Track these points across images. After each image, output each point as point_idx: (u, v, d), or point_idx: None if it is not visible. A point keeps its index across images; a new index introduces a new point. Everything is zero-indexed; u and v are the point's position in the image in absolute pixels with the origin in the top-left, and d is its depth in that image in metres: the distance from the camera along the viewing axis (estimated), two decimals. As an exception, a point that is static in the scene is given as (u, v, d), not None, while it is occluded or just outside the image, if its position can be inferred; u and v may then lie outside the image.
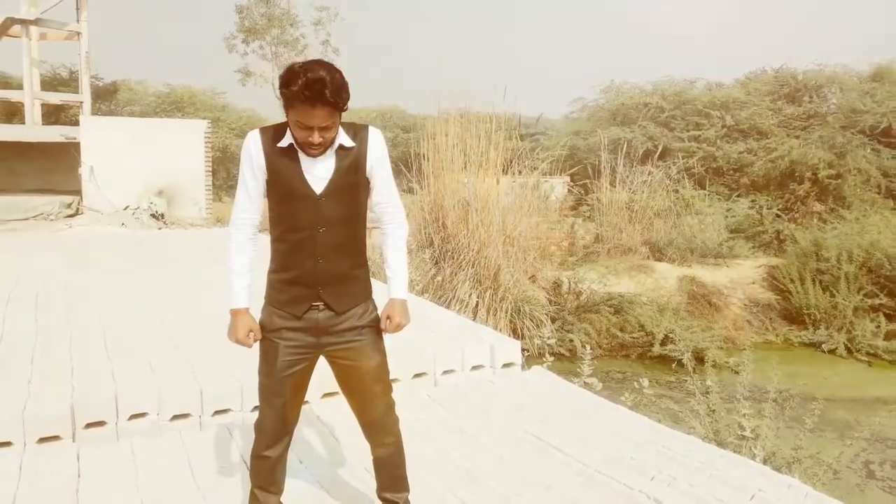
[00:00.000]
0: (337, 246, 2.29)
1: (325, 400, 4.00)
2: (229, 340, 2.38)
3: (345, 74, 2.15)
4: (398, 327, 2.41)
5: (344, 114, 2.18)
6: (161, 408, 3.70)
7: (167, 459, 3.32)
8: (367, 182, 2.35)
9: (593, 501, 2.87)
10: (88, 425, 3.55)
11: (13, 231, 13.04)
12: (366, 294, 2.41)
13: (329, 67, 2.10)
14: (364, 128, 2.33)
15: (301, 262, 2.27)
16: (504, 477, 3.10)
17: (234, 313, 2.36)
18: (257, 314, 2.40)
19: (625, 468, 3.16)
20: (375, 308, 2.44)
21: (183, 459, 3.32)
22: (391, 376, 4.25)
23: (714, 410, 5.61)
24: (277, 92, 2.27)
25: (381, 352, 2.45)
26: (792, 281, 12.11)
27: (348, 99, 2.15)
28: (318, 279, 2.28)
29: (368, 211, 2.41)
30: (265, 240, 2.35)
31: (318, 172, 2.24)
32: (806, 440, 5.20)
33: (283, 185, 2.25)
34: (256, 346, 2.39)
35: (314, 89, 2.04)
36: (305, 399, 2.56)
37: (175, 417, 3.71)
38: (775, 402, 5.46)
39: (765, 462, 4.70)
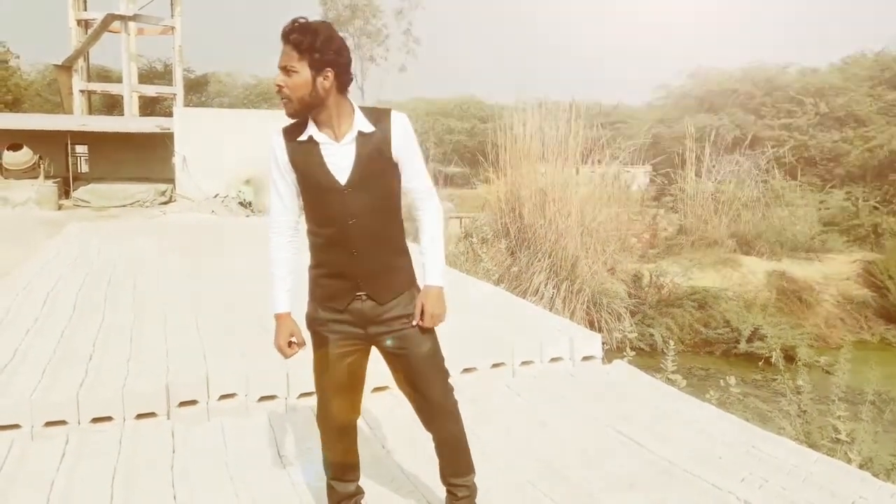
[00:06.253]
0: (371, 236, 2.22)
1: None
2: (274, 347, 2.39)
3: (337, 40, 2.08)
4: (433, 318, 2.28)
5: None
6: (249, 389, 3.82)
7: (255, 439, 3.43)
8: (396, 168, 2.25)
9: (680, 501, 2.79)
10: (182, 404, 3.71)
11: (112, 217, 13.79)
12: (410, 282, 2.34)
13: (315, 21, 2.09)
14: (386, 112, 2.24)
15: (337, 256, 2.23)
16: (587, 472, 3.05)
17: (276, 318, 2.37)
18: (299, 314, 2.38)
19: (713, 468, 3.06)
20: None
21: (270, 440, 3.42)
22: (469, 365, 4.35)
23: (805, 411, 5.37)
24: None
25: (433, 336, 2.36)
26: (891, 277, 11.48)
27: (319, 50, 2.06)
28: (356, 272, 2.22)
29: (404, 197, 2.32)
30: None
31: (340, 162, 2.17)
32: (907, 446, 4.91)
33: (309, 179, 2.21)
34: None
35: (285, 29, 2.07)
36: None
37: (262, 399, 3.83)
38: (873, 405, 5.17)
39: (860, 468, 4.46)
